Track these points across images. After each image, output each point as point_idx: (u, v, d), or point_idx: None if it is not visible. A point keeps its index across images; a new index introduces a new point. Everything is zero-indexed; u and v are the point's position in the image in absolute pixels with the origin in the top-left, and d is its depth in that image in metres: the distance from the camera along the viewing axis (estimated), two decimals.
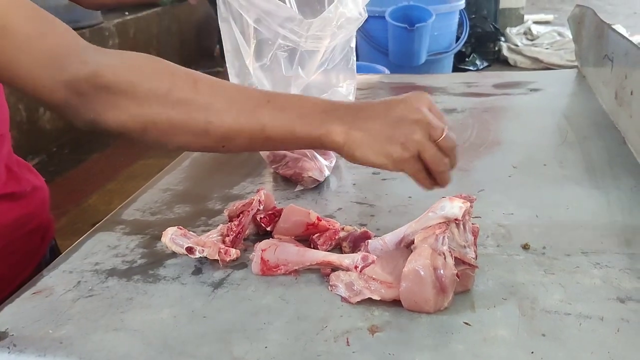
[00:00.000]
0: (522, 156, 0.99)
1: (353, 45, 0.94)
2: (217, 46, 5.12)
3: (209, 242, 0.71)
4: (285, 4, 0.85)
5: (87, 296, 0.66)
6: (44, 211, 0.91)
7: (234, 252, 0.71)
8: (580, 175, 0.91)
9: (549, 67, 3.85)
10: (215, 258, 0.70)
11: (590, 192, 0.86)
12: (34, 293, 0.67)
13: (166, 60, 0.65)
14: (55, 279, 0.70)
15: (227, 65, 0.94)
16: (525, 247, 0.72)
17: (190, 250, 0.70)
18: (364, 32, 3.24)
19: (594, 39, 1.31)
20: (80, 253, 0.75)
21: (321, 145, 0.64)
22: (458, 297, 0.63)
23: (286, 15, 0.85)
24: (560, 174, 0.92)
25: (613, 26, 1.27)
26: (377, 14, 3.16)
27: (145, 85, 0.62)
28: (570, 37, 4.22)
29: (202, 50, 5.31)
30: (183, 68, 0.65)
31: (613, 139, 1.04)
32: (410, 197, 0.86)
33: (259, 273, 0.68)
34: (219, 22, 0.90)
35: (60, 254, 0.88)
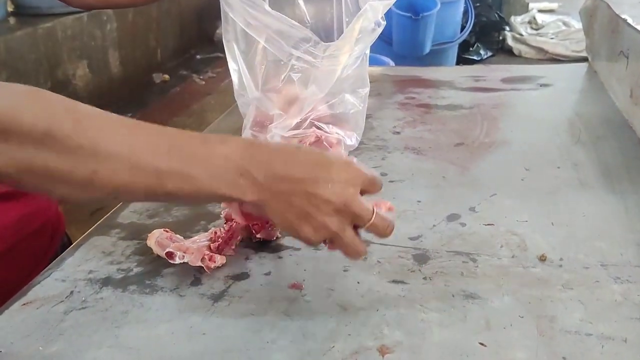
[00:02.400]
0: (534, 157, 0.95)
1: (367, 51, 0.90)
2: (217, 31, 5.06)
3: (192, 247, 0.68)
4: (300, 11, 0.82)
5: (80, 308, 0.62)
6: (50, 208, 0.87)
7: (219, 259, 0.68)
8: (595, 179, 0.87)
9: (554, 57, 3.80)
10: (199, 264, 0.67)
11: (606, 198, 0.82)
12: (24, 304, 0.63)
13: (46, 91, 0.52)
14: (47, 289, 0.66)
15: (234, 86, 0.92)
16: (542, 258, 0.69)
17: (170, 255, 0.67)
18: None
19: (607, 33, 1.26)
20: (74, 259, 0.72)
21: (230, 202, 0.58)
22: (473, 313, 0.60)
23: (301, 36, 0.81)
24: (575, 177, 0.88)
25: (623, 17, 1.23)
26: None
27: (23, 122, 0.48)
28: (576, 27, 4.14)
29: (202, 34, 5.24)
30: (66, 101, 0.52)
31: (628, 139, 1.00)
32: (419, 201, 0.83)
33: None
34: (224, 41, 0.86)
35: None
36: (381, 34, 3.25)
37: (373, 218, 0.57)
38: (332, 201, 0.55)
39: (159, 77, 4.68)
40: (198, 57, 5.18)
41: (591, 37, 1.42)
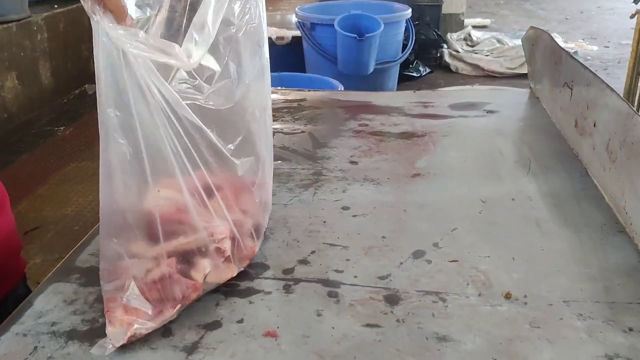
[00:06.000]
0: (489, 189, 0.98)
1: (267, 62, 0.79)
2: None
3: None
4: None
5: None
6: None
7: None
8: (549, 212, 0.91)
9: (489, 74, 3.94)
10: None
11: (562, 232, 0.85)
12: None
13: None
14: (9, 345, 0.63)
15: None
16: (507, 296, 0.71)
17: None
18: (312, 40, 3.19)
19: (549, 63, 1.32)
20: (34, 310, 0.68)
21: None
22: (447, 356, 0.61)
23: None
24: (530, 209, 0.91)
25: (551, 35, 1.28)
26: (326, 22, 3.12)
27: None
28: (509, 44, 4.29)
29: None
30: None
31: (575, 169, 1.04)
32: (384, 237, 0.84)
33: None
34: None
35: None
36: (325, 52, 3.29)
37: None
38: None
39: (92, 89, 4.54)
40: None
41: (533, 65, 1.48)
